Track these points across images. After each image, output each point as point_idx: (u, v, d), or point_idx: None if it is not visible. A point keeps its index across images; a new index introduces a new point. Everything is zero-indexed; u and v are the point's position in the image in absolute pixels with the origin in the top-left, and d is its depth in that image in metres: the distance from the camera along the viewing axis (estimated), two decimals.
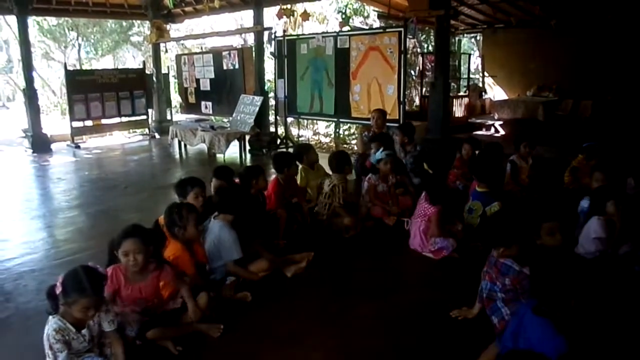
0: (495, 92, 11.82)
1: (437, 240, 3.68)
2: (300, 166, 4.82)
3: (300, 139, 10.32)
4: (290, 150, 7.90)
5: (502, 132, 9.14)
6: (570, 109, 9.55)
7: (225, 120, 10.22)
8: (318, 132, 12.03)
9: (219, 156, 7.99)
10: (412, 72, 11.29)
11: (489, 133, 9.23)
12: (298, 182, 4.70)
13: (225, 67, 9.54)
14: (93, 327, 2.26)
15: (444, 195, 3.81)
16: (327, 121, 10.06)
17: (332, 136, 11.23)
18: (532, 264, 2.30)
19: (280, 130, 9.27)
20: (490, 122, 9.57)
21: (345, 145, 10.56)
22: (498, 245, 2.55)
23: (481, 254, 2.77)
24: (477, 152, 5.09)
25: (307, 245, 3.83)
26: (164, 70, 11.42)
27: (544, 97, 10.20)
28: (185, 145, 8.70)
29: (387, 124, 6.10)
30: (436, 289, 3.22)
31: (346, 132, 11.53)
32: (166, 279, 2.63)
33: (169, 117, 11.34)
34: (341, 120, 8.23)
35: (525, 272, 2.45)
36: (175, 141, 8.76)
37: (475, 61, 13.26)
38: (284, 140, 8.90)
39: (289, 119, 9.25)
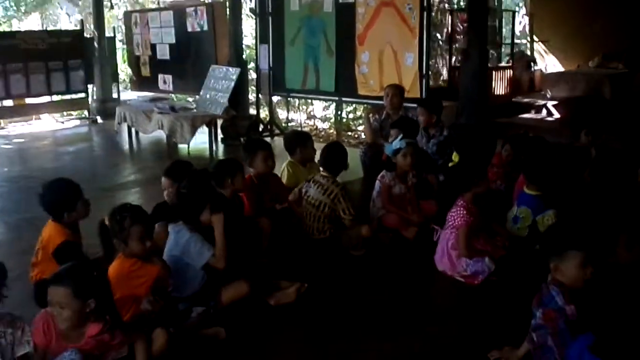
0: (547, 62, 11.84)
1: (468, 262, 3.68)
2: (288, 160, 4.80)
3: (289, 124, 10.30)
4: (279, 139, 7.88)
5: (556, 114, 9.16)
6: None
7: (190, 99, 10.23)
8: (313, 115, 12.02)
9: (182, 147, 7.98)
10: (439, 36, 11.27)
11: (539, 116, 9.25)
12: (285, 180, 4.69)
13: (190, 29, 9.52)
14: (5, 349, 2.22)
15: (464, 185, 3.78)
16: (326, 101, 10.05)
17: (332, 121, 11.22)
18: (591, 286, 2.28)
19: (264, 113, 9.27)
20: (542, 102, 9.58)
21: (349, 133, 10.56)
22: (551, 252, 2.55)
23: (532, 276, 2.78)
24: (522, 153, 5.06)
25: (298, 266, 3.84)
26: (108, 33, 11.38)
27: (611, 68, 10.22)
28: (137, 133, 8.69)
29: (405, 104, 6.10)
30: (469, 323, 3.22)
31: (350, 115, 11.54)
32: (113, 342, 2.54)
33: (115, 96, 11.31)
34: (344, 99, 8.23)
35: (568, 311, 2.47)
36: (124, 127, 8.75)
37: (522, 21, 13.26)
38: (268, 126, 8.90)
39: (275, 98, 9.24)
